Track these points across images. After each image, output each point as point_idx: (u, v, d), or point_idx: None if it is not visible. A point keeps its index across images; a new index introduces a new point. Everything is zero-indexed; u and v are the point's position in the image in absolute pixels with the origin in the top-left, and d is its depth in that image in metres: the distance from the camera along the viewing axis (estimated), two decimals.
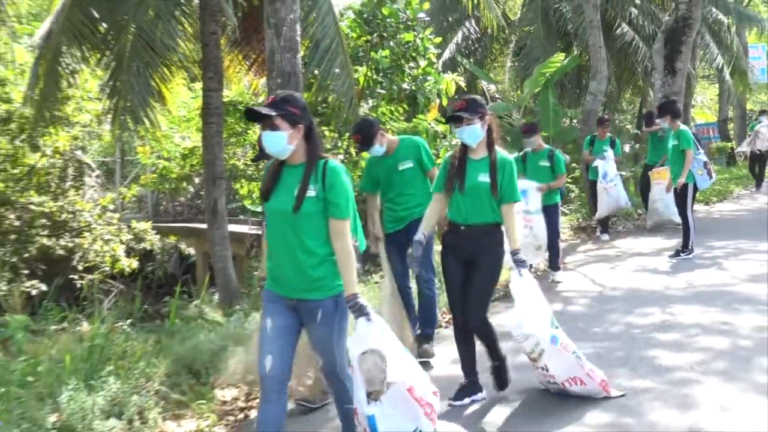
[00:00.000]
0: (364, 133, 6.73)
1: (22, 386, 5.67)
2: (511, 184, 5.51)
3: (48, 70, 11.14)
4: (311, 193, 4.22)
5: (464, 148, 5.60)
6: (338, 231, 4.26)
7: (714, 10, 24.46)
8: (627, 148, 21.10)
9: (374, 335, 4.19)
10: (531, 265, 9.31)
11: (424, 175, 6.94)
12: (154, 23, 10.28)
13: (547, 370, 5.41)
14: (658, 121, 12.11)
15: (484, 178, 5.45)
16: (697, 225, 11.54)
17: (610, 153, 12.93)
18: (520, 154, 9.92)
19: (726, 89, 29.19)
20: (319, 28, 10.85)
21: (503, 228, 5.59)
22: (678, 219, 11.37)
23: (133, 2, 10.29)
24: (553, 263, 10.00)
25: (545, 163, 9.72)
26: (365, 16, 11.91)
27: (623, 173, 18.54)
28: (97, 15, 10.86)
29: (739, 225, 14.65)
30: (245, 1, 9.94)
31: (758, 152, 20.61)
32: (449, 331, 7.80)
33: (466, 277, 5.59)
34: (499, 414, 5.52)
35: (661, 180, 12.41)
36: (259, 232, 10.91)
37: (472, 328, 5.57)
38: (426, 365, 6.41)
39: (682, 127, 11.08)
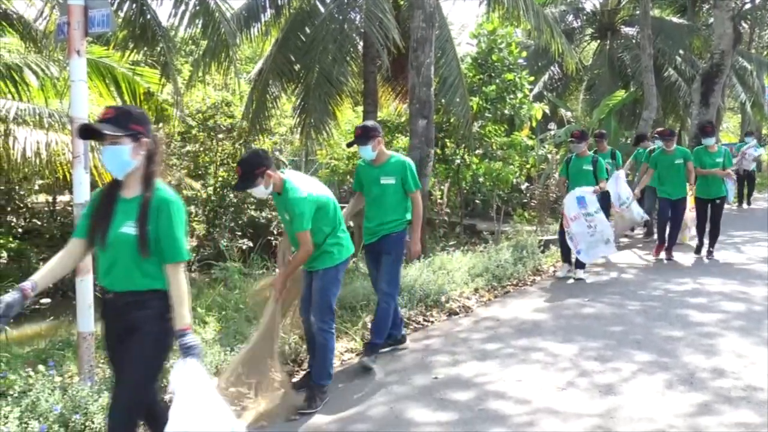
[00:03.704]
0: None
1: (236, 311, 5.92)
2: (172, 236, 2.77)
3: (259, 96, 11.51)
4: None
5: (115, 182, 2.87)
6: None
7: (740, 59, 23.48)
8: None
9: None
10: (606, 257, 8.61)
11: (405, 194, 5.11)
12: (332, 65, 10.45)
13: None
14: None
15: (130, 227, 2.76)
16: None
17: (621, 173, 9.47)
18: (567, 157, 8.66)
19: (747, 118, 28.11)
20: (446, 69, 10.78)
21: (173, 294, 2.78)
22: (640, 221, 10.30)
23: (318, 50, 10.49)
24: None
25: (588, 167, 8.00)
26: (479, 60, 11.80)
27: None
28: (293, 59, 11.15)
29: (753, 220, 13.97)
30: (395, 50, 9.95)
31: (744, 172, 16.13)
32: (533, 288, 7.70)
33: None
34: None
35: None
36: None
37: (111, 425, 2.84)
38: (369, 371, 4.91)
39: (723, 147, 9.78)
